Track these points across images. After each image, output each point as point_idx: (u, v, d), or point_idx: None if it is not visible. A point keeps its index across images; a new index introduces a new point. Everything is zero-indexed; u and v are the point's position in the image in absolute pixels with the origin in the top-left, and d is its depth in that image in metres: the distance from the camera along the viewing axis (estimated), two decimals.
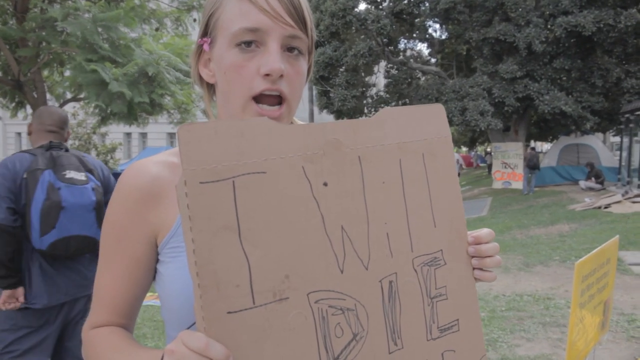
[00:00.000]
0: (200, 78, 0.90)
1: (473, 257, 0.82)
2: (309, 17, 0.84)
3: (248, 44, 0.79)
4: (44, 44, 6.54)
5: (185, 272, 0.79)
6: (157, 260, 0.85)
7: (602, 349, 3.81)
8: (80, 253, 2.54)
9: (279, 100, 0.82)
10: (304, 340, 0.64)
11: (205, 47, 0.86)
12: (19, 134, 32.06)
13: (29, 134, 2.71)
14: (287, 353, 0.63)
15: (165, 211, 0.83)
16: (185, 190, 0.58)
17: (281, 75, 0.79)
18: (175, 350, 0.58)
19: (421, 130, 0.78)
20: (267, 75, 0.78)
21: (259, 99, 0.81)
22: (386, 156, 0.73)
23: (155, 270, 0.86)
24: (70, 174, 2.49)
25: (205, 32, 0.86)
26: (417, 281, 0.76)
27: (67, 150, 2.63)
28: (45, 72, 7.95)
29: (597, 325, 2.72)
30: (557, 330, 4.30)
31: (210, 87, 0.92)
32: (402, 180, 0.75)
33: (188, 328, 0.77)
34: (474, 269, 0.82)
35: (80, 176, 2.53)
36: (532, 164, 16.00)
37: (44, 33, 6.02)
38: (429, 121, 0.79)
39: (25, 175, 2.42)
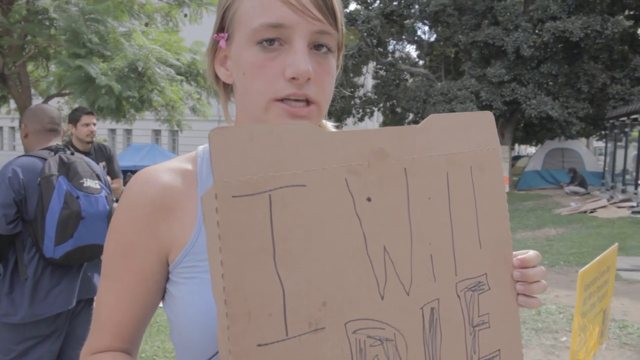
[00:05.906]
0: (217, 77, 0.80)
1: (518, 281, 0.74)
2: (339, 8, 0.74)
3: (270, 41, 0.69)
4: (29, 37, 6.36)
5: (203, 297, 0.70)
6: (167, 280, 0.76)
7: (597, 357, 3.80)
8: (90, 260, 2.48)
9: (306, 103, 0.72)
10: None
11: (222, 43, 0.76)
12: (0, 128, 31.47)
13: (25, 136, 2.53)
14: None
15: (178, 225, 0.73)
16: (216, 205, 0.50)
17: (308, 78, 0.70)
18: None
19: (469, 140, 0.70)
20: (293, 78, 0.69)
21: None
22: (433, 169, 0.66)
23: (165, 290, 0.77)
24: (87, 183, 2.41)
25: (222, 27, 0.76)
26: (460, 308, 0.68)
27: (72, 153, 2.50)
28: (30, 67, 7.75)
29: (597, 334, 2.68)
30: (550, 337, 4.27)
31: (227, 87, 0.82)
32: (449, 195, 0.68)
33: (209, 359, 0.69)
34: (518, 294, 0.74)
35: (95, 184, 2.46)
36: None
37: (30, 26, 5.85)
38: (477, 130, 0.72)
39: (38, 182, 2.29)
